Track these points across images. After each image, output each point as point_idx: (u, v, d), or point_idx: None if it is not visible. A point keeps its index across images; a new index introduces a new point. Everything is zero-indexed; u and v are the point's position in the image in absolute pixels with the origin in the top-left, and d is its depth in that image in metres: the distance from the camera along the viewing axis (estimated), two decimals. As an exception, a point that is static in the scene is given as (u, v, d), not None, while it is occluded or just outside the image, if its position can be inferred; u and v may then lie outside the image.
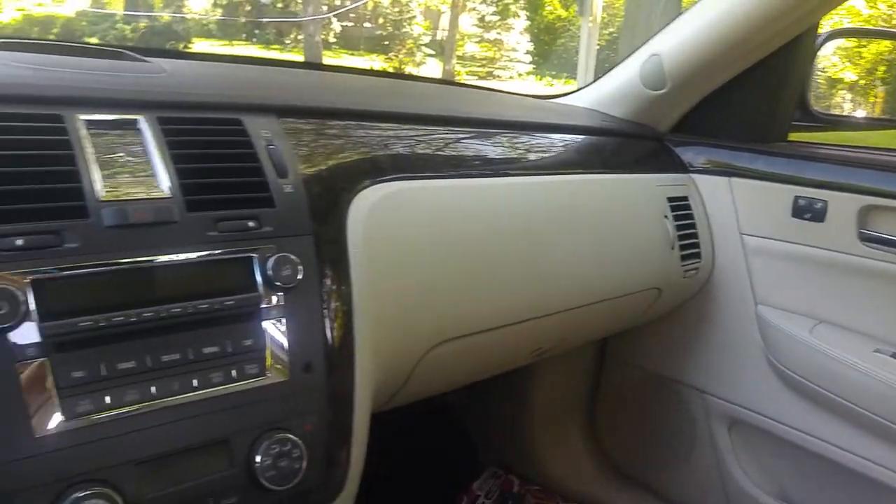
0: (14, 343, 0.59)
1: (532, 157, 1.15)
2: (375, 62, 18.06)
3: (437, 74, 17.79)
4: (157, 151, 0.72)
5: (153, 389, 0.65)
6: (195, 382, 0.68)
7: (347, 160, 0.90)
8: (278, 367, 0.73)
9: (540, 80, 19.40)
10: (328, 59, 17.49)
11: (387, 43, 19.47)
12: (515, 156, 1.13)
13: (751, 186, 1.31)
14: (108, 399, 0.63)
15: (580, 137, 1.28)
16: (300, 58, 15.94)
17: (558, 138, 1.24)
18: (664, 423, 1.54)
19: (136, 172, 0.71)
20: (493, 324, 0.99)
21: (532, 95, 1.66)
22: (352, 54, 18.93)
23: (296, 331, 0.74)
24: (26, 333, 0.59)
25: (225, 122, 0.80)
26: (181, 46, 14.61)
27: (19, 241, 0.61)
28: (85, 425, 0.61)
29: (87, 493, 0.60)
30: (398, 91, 1.17)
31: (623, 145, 1.36)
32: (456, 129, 1.08)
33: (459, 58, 19.62)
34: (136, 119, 0.74)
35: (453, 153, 1.04)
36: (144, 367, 0.65)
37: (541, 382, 1.65)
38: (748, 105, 1.36)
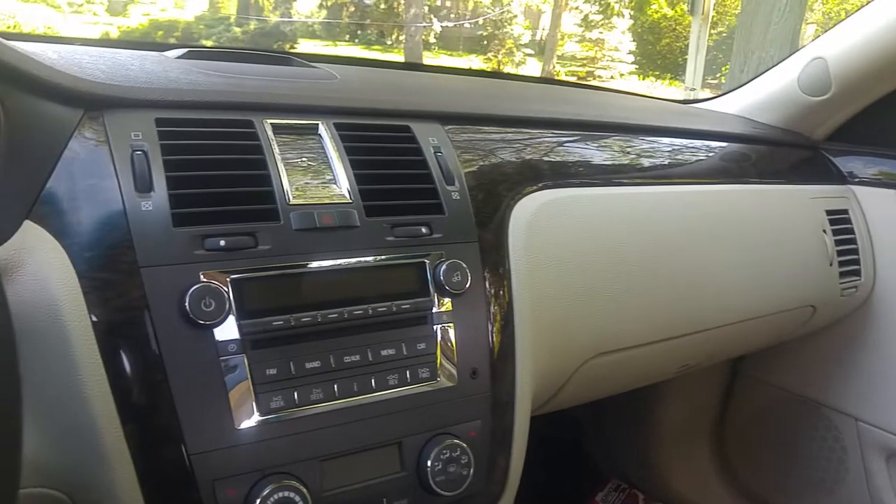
0: (218, 339, 0.62)
1: (685, 164, 1.12)
2: (474, 62, 18.12)
3: (537, 74, 17.66)
4: (336, 156, 0.74)
5: (335, 389, 0.67)
6: (373, 384, 0.69)
7: (508, 167, 0.90)
8: (447, 371, 0.74)
9: (643, 80, 18.93)
10: (428, 59, 17.68)
11: (485, 43, 19.49)
12: (669, 163, 1.10)
13: None
14: (296, 397, 0.65)
15: (732, 145, 1.23)
16: (414, 60, 16.18)
17: (709, 145, 1.19)
18: (806, 447, 1.46)
19: (317, 176, 0.73)
20: (649, 339, 0.97)
21: (672, 100, 1.62)
22: (450, 54, 19.06)
23: (464, 336, 0.75)
24: (228, 330, 0.62)
25: (396, 128, 0.82)
26: (287, 47, 15.13)
27: (222, 242, 0.64)
28: (277, 421, 0.64)
29: (278, 485, 0.62)
30: (541, 95, 1.16)
31: (776, 154, 1.30)
32: (608, 134, 1.06)
33: (559, 57, 19.42)
34: (316, 124, 0.76)
35: (608, 160, 1.02)
36: (328, 367, 0.67)
37: (668, 396, 1.60)
38: None
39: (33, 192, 0.62)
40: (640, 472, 1.68)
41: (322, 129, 0.76)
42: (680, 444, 1.64)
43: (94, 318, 0.59)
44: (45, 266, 0.59)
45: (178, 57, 0.87)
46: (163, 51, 0.92)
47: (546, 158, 0.95)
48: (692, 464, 1.65)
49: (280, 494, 0.62)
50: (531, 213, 0.86)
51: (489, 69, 17.39)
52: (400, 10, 18.51)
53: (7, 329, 0.34)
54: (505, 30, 19.40)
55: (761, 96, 1.37)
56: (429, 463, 0.71)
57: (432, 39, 19.48)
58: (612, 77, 18.93)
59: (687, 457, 1.65)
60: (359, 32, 19.31)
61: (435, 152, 0.81)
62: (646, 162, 1.07)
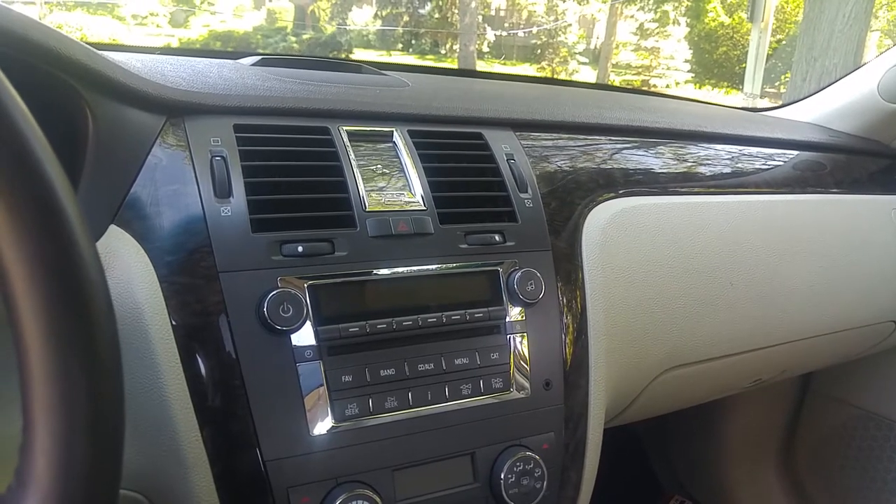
0: (295, 345, 0.62)
1: (760, 173, 1.08)
2: (528, 70, 18.08)
3: (592, 82, 17.49)
4: (410, 163, 0.74)
5: (410, 397, 0.66)
6: (446, 393, 0.68)
7: (581, 174, 0.88)
8: (521, 382, 0.72)
9: (699, 88, 18.58)
10: (482, 67, 17.69)
11: (539, 51, 19.42)
12: (743, 172, 1.06)
13: None
14: (371, 405, 0.64)
15: (807, 153, 1.19)
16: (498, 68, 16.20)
17: (784, 154, 1.15)
18: (884, 470, 1.40)
19: (392, 183, 0.73)
20: (723, 351, 0.94)
21: (741, 108, 1.57)
22: (504, 63, 19.04)
23: (537, 347, 0.74)
24: (305, 336, 0.62)
25: (469, 136, 0.81)
26: (343, 56, 15.33)
27: (300, 248, 0.64)
28: (351, 428, 0.63)
29: (351, 493, 0.62)
30: (611, 101, 1.13)
31: (853, 163, 1.24)
32: (682, 142, 1.03)
33: (613, 66, 19.20)
34: (391, 131, 0.76)
35: (682, 168, 1.00)
36: (403, 374, 0.66)
37: (735, 411, 1.55)
38: None
39: (119, 197, 0.63)
40: (703, 488, 1.63)
41: (396, 137, 0.76)
42: (746, 462, 1.58)
43: (174, 322, 0.60)
44: (128, 270, 0.60)
45: (253, 64, 0.89)
46: (237, 59, 0.93)
47: (619, 166, 0.93)
48: (758, 482, 1.60)
49: (354, 503, 0.62)
50: (605, 221, 0.84)
51: (545, 77, 17.31)
52: (454, 19, 18.58)
53: (114, 331, 0.34)
54: (559, 38, 19.30)
55: (836, 104, 1.31)
56: (502, 475, 0.69)
57: (486, 48, 19.49)
58: (667, 86, 18.63)
59: (753, 474, 1.59)
60: (413, 42, 19.45)
61: (508, 159, 0.80)
62: (720, 170, 1.04)
